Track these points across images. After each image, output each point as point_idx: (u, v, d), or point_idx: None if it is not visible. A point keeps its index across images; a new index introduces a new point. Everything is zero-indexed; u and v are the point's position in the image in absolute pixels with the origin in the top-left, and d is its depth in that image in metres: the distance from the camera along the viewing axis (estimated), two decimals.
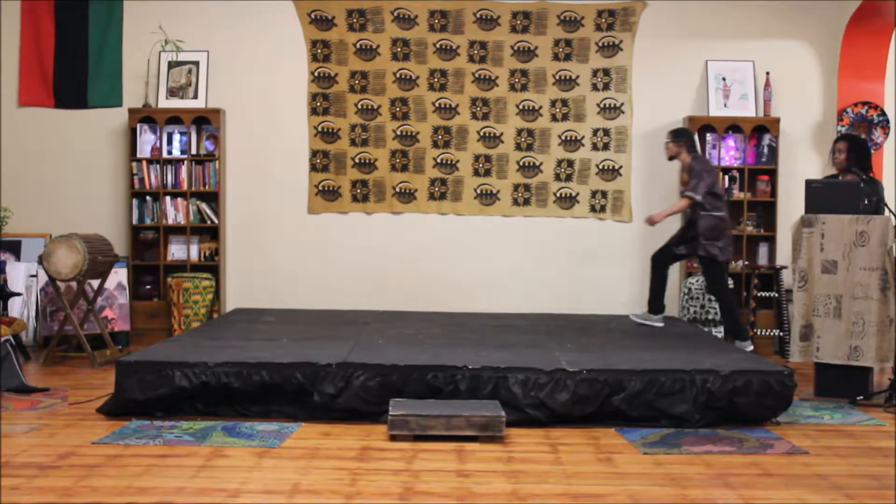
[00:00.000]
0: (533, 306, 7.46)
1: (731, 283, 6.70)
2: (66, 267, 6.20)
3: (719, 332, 6.95)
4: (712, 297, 6.97)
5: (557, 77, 7.57)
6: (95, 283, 6.68)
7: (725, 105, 7.46)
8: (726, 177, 7.21)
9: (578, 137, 7.57)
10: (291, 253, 7.59)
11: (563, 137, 7.57)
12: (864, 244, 5.22)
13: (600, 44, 7.56)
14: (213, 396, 4.73)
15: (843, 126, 7.37)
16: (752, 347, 6.27)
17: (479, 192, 7.61)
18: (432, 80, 7.57)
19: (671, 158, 6.55)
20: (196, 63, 7.50)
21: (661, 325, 6.51)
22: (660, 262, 6.58)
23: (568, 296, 7.54)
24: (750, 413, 4.70)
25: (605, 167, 7.58)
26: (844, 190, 5.44)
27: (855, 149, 5.77)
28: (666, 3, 7.55)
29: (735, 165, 7.46)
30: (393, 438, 4.33)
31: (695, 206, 6.32)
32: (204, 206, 7.48)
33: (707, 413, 4.68)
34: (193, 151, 7.48)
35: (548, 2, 7.54)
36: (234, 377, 4.70)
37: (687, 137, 6.46)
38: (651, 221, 6.44)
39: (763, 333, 6.94)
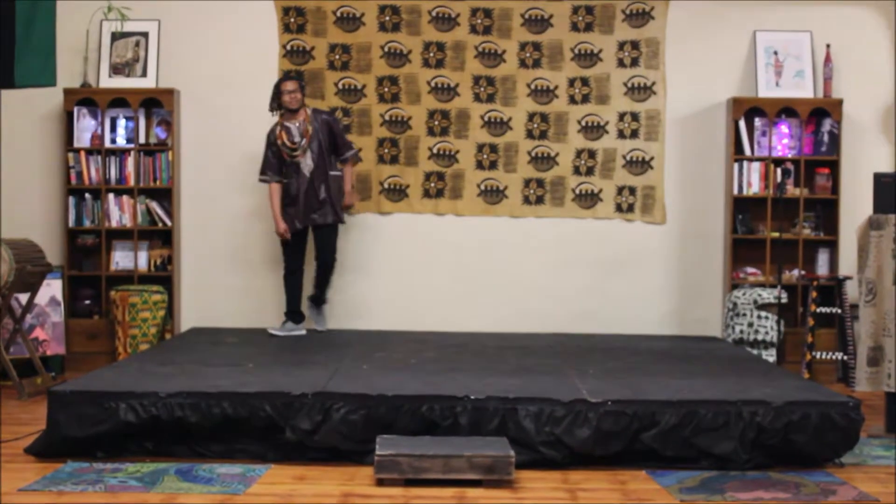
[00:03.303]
0: (547, 324, 7.46)
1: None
2: None
3: (771, 354, 6.95)
4: (761, 315, 6.98)
5: (576, 51, 7.58)
6: (24, 297, 6.67)
7: (777, 84, 7.47)
8: (779, 170, 7.21)
9: (601, 123, 7.58)
10: (258, 262, 7.58)
11: (583, 123, 7.58)
12: None
13: (628, 11, 7.57)
14: (164, 433, 4.73)
15: None
16: (302, 331, 7.11)
17: (482, 188, 7.62)
18: (427, 54, 7.58)
19: (296, 110, 7.02)
20: (145, 35, 7.50)
21: (303, 332, 7.13)
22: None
23: (589, 312, 7.53)
24: (808, 452, 4.70)
25: (634, 158, 7.59)
26: None
27: None
28: None
29: (789, 157, 7.46)
30: (380, 483, 4.33)
31: (319, 169, 7.00)
32: (154, 205, 7.48)
33: (756, 452, 4.68)
34: (142, 140, 7.49)
35: None
36: (189, 410, 4.70)
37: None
38: (350, 205, 7.23)
39: (823, 357, 6.93)
